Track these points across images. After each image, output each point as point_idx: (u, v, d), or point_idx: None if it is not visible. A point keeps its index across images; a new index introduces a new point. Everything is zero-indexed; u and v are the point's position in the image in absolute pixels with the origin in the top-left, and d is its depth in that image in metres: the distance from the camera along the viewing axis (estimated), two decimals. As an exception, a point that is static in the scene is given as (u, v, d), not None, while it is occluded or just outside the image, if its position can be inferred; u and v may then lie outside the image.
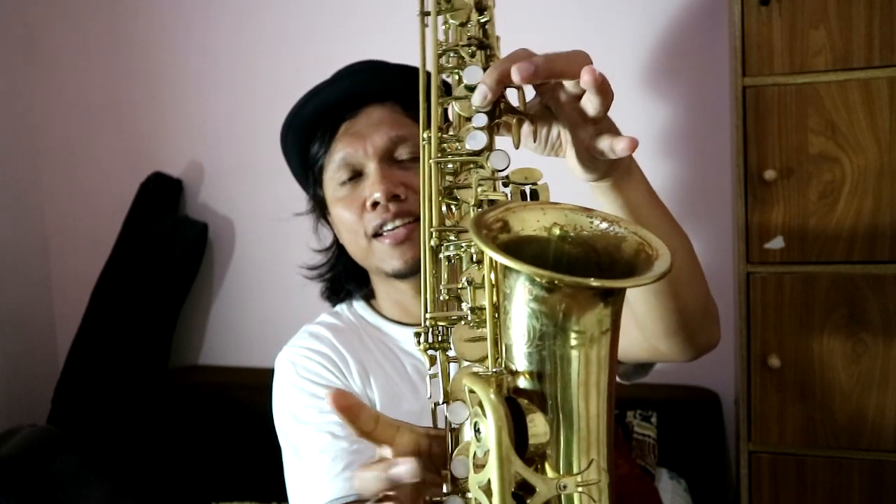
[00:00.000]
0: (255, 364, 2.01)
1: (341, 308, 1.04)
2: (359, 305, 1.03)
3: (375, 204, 0.88)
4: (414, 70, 0.95)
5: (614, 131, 0.59)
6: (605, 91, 0.54)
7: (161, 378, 2.00)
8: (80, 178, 2.16)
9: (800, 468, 1.34)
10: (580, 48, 0.55)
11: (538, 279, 0.42)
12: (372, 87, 0.94)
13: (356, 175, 0.92)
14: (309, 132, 0.96)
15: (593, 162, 0.62)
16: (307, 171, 0.98)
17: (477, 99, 0.54)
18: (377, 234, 0.90)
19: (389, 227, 0.89)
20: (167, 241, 1.97)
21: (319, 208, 1.01)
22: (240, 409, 1.85)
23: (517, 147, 0.58)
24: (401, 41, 1.77)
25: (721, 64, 1.62)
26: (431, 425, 0.52)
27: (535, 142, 0.64)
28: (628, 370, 0.92)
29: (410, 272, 0.90)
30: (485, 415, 0.41)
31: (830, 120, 1.28)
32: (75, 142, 2.16)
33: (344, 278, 1.04)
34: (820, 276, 1.30)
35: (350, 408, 0.49)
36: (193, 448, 1.89)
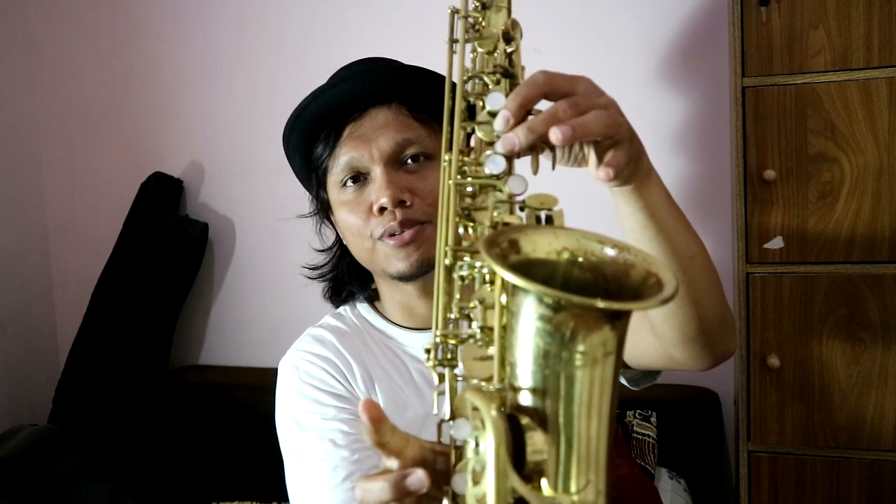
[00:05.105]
0: (255, 364, 2.01)
1: (345, 310, 1.03)
2: (362, 308, 1.02)
3: (382, 209, 0.87)
4: (419, 71, 0.95)
5: (622, 146, 0.59)
6: (582, 133, 0.54)
7: (161, 378, 2.00)
8: (81, 178, 2.17)
9: (799, 468, 1.34)
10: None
11: (545, 298, 0.42)
12: (377, 88, 0.92)
13: (361, 178, 0.91)
14: (312, 134, 0.94)
15: None
16: (310, 173, 0.97)
17: (499, 123, 0.54)
18: (382, 237, 0.89)
19: (396, 233, 0.88)
20: (168, 241, 1.97)
21: (323, 210, 1.00)
22: (240, 409, 1.86)
23: (535, 173, 0.58)
24: (402, 40, 1.79)
25: (721, 64, 1.62)
26: (437, 440, 0.52)
27: (553, 169, 0.63)
28: (636, 376, 0.92)
29: (415, 274, 0.89)
30: (485, 430, 0.41)
31: (829, 120, 1.28)
32: (76, 142, 2.16)
33: (347, 279, 1.03)
34: (819, 277, 1.31)
35: (377, 419, 0.50)
36: (193, 448, 1.89)
